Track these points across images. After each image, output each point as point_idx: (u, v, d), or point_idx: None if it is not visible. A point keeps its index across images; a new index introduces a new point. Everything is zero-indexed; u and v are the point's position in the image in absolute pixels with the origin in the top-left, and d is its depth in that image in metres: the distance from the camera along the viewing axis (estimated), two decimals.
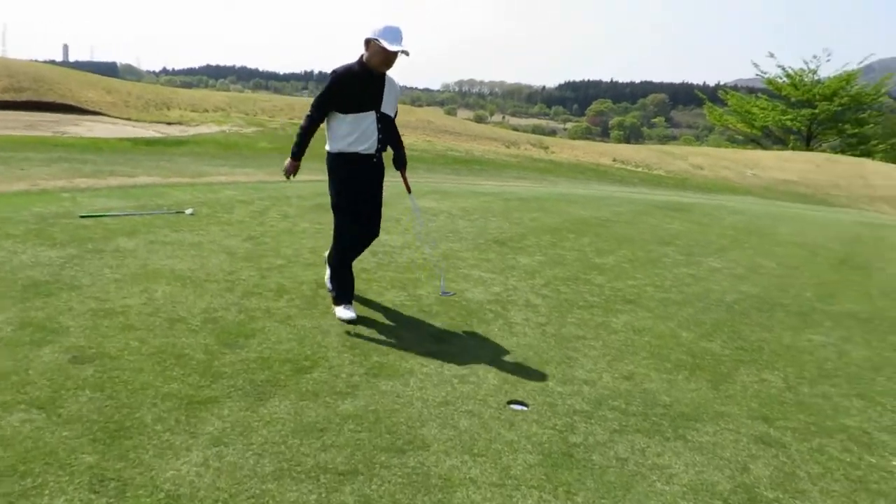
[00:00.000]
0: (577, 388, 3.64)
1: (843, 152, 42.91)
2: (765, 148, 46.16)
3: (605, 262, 6.80)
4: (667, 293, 5.88)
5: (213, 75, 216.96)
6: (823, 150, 42.41)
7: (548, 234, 8.00)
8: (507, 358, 3.97)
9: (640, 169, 24.82)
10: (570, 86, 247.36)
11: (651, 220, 10.31)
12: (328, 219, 4.50)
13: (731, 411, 3.57)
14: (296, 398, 3.15)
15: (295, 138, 4.11)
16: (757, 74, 46.91)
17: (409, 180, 4.54)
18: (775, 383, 4.08)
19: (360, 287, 4.92)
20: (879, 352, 4.94)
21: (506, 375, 3.69)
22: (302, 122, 4.08)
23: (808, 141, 45.79)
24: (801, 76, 44.38)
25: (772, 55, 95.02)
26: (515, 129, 64.49)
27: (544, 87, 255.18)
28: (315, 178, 11.12)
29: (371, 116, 4.00)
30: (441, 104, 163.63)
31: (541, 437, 3.04)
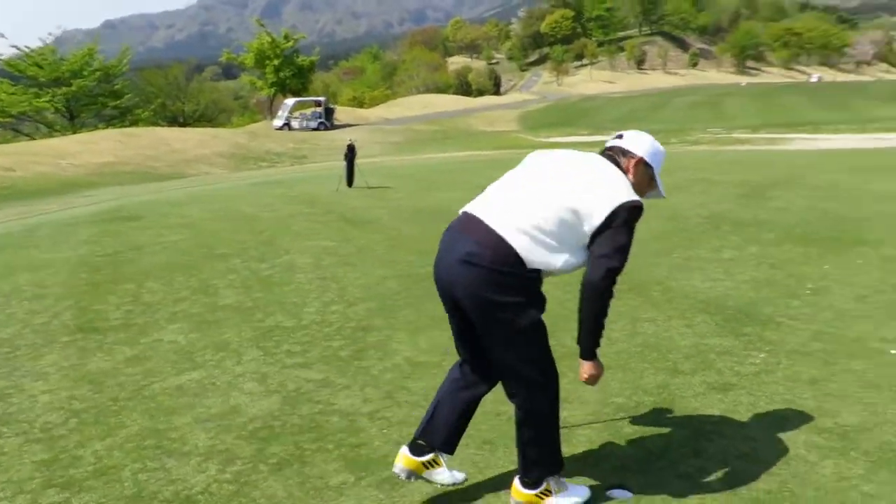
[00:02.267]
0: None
1: (111, 126, 42.98)
2: (28, 136, 42.27)
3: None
4: None
5: None
6: (94, 128, 41.54)
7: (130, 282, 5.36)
8: None
9: None
10: None
11: (129, 238, 8.13)
12: None
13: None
14: None
15: (590, 322, 2.14)
16: None
17: None
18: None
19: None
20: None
21: None
22: (605, 288, 2.10)
23: (71, 119, 43.96)
24: (43, 55, 41.54)
25: (2, 35, 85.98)
26: None
27: None
28: None
29: None
30: None
31: None
